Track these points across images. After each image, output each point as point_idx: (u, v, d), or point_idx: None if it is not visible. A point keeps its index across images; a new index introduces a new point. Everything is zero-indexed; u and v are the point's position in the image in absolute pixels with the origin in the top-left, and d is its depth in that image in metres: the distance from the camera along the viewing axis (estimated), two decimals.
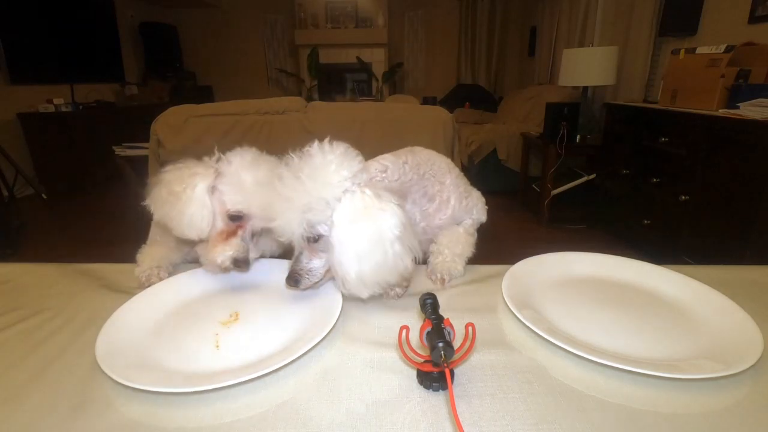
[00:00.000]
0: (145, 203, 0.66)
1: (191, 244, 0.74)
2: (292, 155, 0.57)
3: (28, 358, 0.50)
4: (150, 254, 0.70)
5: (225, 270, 0.63)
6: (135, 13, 5.06)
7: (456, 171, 0.77)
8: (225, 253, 0.61)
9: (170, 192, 0.62)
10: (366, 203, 0.55)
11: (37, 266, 0.73)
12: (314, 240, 0.57)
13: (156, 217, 0.64)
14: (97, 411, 0.42)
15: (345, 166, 0.55)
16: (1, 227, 2.39)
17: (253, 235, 0.66)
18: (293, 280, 0.58)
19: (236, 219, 0.63)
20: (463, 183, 0.78)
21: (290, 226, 0.55)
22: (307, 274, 0.59)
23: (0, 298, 0.64)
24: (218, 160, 0.66)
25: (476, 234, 0.80)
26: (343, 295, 0.58)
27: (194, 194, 0.62)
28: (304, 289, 0.60)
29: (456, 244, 0.73)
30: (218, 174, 0.64)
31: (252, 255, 0.63)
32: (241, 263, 0.62)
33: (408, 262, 0.56)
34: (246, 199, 0.62)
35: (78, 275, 0.70)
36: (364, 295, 0.56)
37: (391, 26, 5.77)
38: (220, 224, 0.63)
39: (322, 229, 0.56)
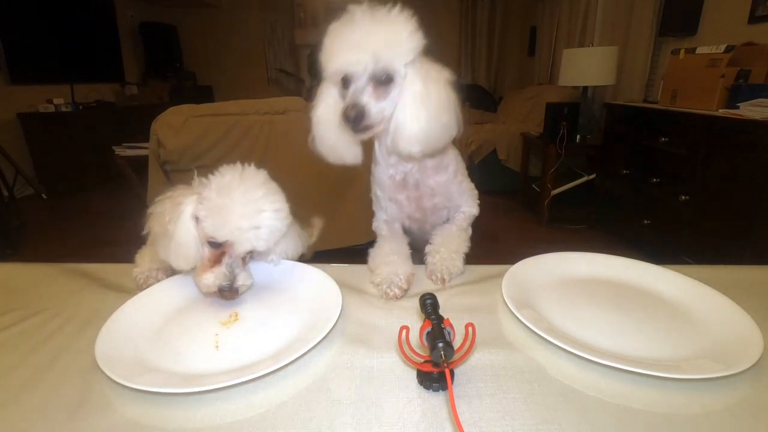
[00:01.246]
0: (144, 234, 0.64)
1: None
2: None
3: (27, 359, 0.50)
4: (149, 255, 0.70)
5: (212, 297, 0.60)
6: (135, 13, 5.06)
7: (457, 151, 0.78)
8: (208, 281, 0.58)
9: (160, 224, 0.60)
10: (437, 71, 0.62)
11: (37, 266, 0.73)
12: (383, 81, 0.59)
13: (159, 254, 0.62)
14: (96, 411, 0.42)
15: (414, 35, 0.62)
16: (1, 227, 2.39)
17: (244, 258, 0.62)
18: (353, 114, 0.57)
19: (216, 246, 0.60)
20: (462, 166, 0.79)
21: (362, 62, 0.57)
22: (368, 115, 0.59)
23: (0, 298, 0.64)
24: (200, 183, 0.62)
25: (470, 229, 0.81)
26: (342, 295, 0.58)
27: (179, 225, 0.59)
28: (360, 131, 0.61)
29: (451, 241, 0.74)
30: (200, 199, 0.60)
31: (241, 282, 0.60)
32: (225, 291, 0.59)
33: (453, 133, 0.63)
34: (226, 224, 0.57)
35: (78, 275, 0.70)
36: (415, 150, 0.59)
37: None
38: (206, 251, 0.60)
39: (397, 70, 0.60)
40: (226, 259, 0.59)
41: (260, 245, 0.60)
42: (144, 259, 0.69)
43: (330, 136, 0.68)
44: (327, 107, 0.66)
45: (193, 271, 0.62)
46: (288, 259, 0.71)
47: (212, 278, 0.58)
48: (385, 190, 0.77)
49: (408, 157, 0.67)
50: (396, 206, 0.78)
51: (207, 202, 0.59)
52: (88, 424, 0.40)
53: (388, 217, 0.80)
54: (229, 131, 1.96)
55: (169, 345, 0.52)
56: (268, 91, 6.01)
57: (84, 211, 3.26)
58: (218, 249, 0.60)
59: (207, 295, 0.60)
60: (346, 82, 0.61)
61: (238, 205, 0.58)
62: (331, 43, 0.61)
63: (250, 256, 0.64)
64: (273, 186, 0.63)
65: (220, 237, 0.58)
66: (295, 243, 0.72)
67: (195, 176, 0.64)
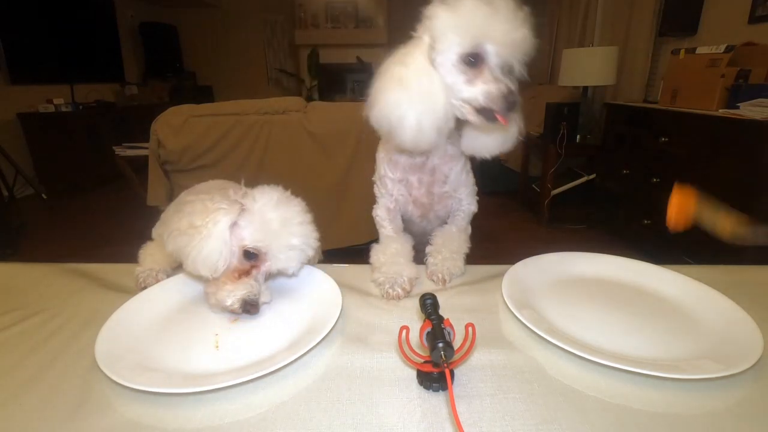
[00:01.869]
0: (157, 230, 0.63)
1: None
2: None
3: (27, 359, 0.50)
4: (152, 255, 0.70)
5: (232, 312, 0.58)
6: (135, 13, 5.06)
7: None
8: (236, 293, 0.57)
9: (191, 225, 0.57)
10: None
11: (37, 266, 0.73)
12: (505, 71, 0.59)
13: (169, 248, 0.59)
14: (96, 411, 0.42)
15: None
16: (1, 227, 2.39)
17: (267, 278, 0.62)
18: (512, 100, 0.58)
19: (252, 257, 0.59)
20: (468, 158, 0.81)
21: (521, 46, 0.56)
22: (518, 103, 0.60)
23: (0, 298, 0.64)
24: (244, 195, 0.61)
25: (470, 228, 0.82)
26: (342, 295, 0.58)
27: (216, 229, 0.57)
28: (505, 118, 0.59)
29: (451, 241, 0.74)
30: (242, 210, 0.59)
31: (263, 299, 0.59)
32: (250, 306, 0.57)
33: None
34: (268, 237, 0.58)
35: (78, 275, 0.70)
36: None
37: (391, 26, 5.77)
38: (234, 262, 0.59)
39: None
40: (255, 273, 0.59)
41: (292, 267, 0.60)
42: (147, 258, 0.69)
43: (422, 116, 0.59)
44: (430, 83, 0.59)
45: (208, 281, 0.59)
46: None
47: (240, 289, 0.57)
48: (398, 171, 0.76)
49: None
50: (405, 189, 0.77)
51: (253, 213, 0.58)
52: (88, 424, 0.40)
53: (392, 204, 0.79)
54: (229, 131, 1.96)
55: (169, 345, 0.52)
56: (268, 91, 6.01)
57: (84, 211, 3.26)
58: (250, 262, 0.59)
59: (223, 308, 0.57)
60: (475, 60, 0.56)
61: (289, 223, 0.59)
62: (486, 11, 0.54)
63: (273, 277, 0.64)
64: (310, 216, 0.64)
65: (262, 249, 0.58)
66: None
67: (240, 185, 0.64)
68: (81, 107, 3.90)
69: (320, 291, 0.62)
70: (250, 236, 0.58)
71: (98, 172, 3.82)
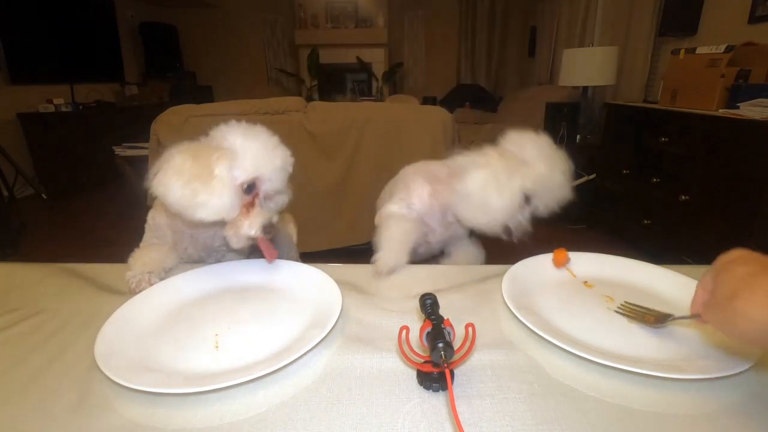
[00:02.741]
0: (150, 188, 0.63)
1: (193, 241, 0.76)
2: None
3: (27, 359, 0.50)
4: (142, 258, 0.69)
5: (254, 240, 0.66)
6: (135, 13, 5.06)
7: None
8: (254, 223, 0.64)
9: (196, 175, 0.60)
10: None
11: (37, 266, 0.73)
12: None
13: (170, 200, 0.61)
14: (96, 412, 0.42)
15: None
16: (1, 227, 2.39)
17: (265, 199, 0.69)
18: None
19: (250, 189, 0.65)
20: None
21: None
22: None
23: (0, 298, 0.64)
24: (219, 137, 0.67)
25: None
26: (342, 295, 0.58)
27: (222, 177, 0.61)
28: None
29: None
30: (228, 148, 0.64)
31: (274, 219, 0.67)
32: (269, 228, 0.65)
33: None
34: (257, 168, 0.64)
35: (78, 276, 0.70)
36: None
37: (391, 26, 5.77)
38: (239, 199, 0.64)
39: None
40: (257, 201, 0.66)
41: (282, 185, 0.69)
42: (137, 261, 0.68)
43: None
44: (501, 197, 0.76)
45: (227, 228, 0.66)
46: (289, 259, 0.73)
47: (256, 219, 0.65)
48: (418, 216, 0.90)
49: None
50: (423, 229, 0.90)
51: (235, 151, 0.63)
52: (88, 424, 0.40)
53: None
54: None
55: (169, 345, 0.52)
56: (268, 91, 6.01)
57: (84, 211, 3.26)
58: (251, 194, 0.65)
59: (248, 239, 0.66)
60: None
61: (267, 147, 0.65)
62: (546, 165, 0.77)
63: (271, 196, 0.70)
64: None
65: (257, 179, 0.65)
66: (289, 245, 0.77)
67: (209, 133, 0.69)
68: (81, 107, 3.90)
69: (320, 291, 0.62)
70: (243, 172, 0.63)
71: (98, 172, 3.82)
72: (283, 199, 0.74)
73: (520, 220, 0.77)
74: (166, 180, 0.60)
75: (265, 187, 0.66)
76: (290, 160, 0.69)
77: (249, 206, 0.65)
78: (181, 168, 0.61)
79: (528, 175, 0.74)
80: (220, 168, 0.61)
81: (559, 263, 0.69)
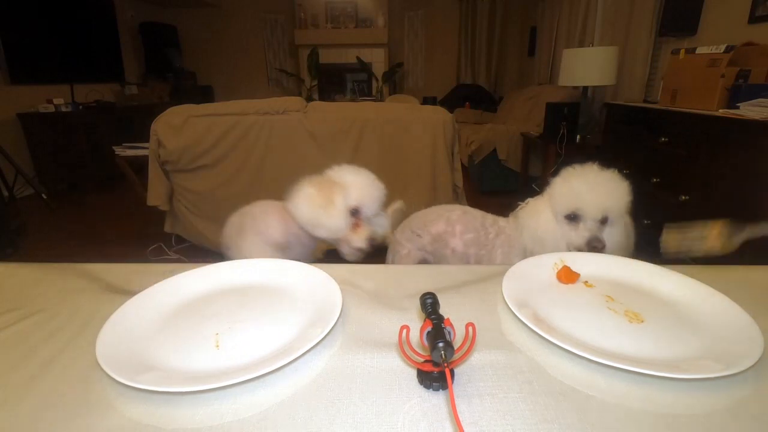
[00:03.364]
0: (291, 206, 0.89)
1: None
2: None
3: (27, 358, 0.50)
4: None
5: (363, 251, 0.91)
6: (135, 13, 5.06)
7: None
8: (360, 237, 0.89)
9: (320, 204, 0.86)
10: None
11: (37, 266, 0.73)
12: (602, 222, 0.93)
13: (300, 220, 0.89)
14: (97, 411, 0.42)
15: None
16: (1, 227, 2.39)
17: (366, 219, 0.92)
18: (600, 245, 0.88)
19: (356, 213, 0.89)
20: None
21: (606, 209, 0.93)
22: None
23: (0, 297, 0.64)
24: (330, 174, 0.93)
25: None
26: (342, 295, 0.59)
27: (339, 204, 0.86)
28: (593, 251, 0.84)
29: None
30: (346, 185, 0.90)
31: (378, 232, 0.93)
32: (372, 240, 0.90)
33: None
34: (363, 197, 0.89)
35: (78, 275, 0.70)
36: None
37: (391, 26, 5.78)
38: (349, 220, 0.89)
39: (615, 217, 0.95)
40: (361, 222, 0.90)
41: (377, 209, 0.94)
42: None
43: (540, 243, 0.94)
44: (546, 223, 0.95)
45: (341, 242, 0.91)
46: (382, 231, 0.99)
47: (362, 235, 0.89)
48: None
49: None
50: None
51: (348, 182, 0.90)
52: (89, 423, 0.40)
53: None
54: (229, 131, 1.96)
55: (169, 344, 0.52)
56: (268, 91, 6.02)
57: (84, 211, 3.26)
58: (356, 216, 0.89)
59: (358, 250, 0.90)
60: (575, 217, 0.91)
61: (368, 182, 0.91)
62: (578, 188, 0.92)
63: (369, 220, 0.94)
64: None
65: (361, 205, 0.90)
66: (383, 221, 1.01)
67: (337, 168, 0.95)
68: (81, 107, 3.90)
69: (320, 291, 0.62)
70: (351, 200, 0.88)
71: (98, 172, 3.83)
72: (383, 223, 0.98)
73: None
74: (299, 204, 0.87)
75: (366, 211, 0.90)
76: (384, 191, 0.93)
77: (356, 225, 0.89)
78: (310, 197, 0.87)
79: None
80: (337, 199, 0.86)
81: (567, 280, 0.66)
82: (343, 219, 0.86)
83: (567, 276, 0.66)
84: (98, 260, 0.75)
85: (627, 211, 0.96)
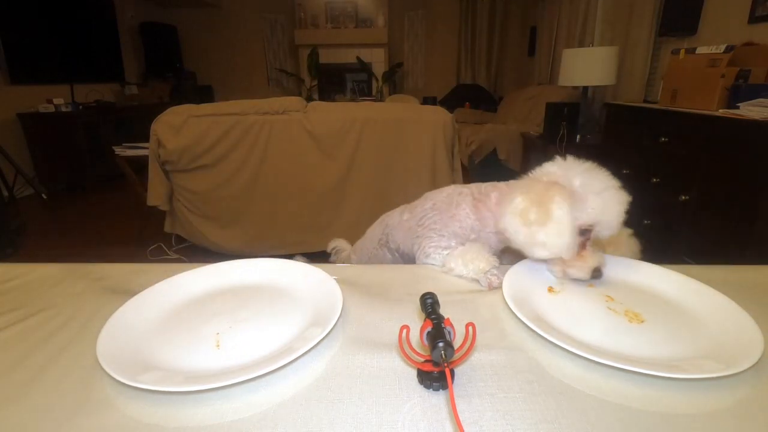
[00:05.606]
0: (505, 223, 0.65)
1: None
2: None
3: (28, 358, 0.50)
4: (475, 259, 0.69)
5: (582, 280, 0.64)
6: (135, 13, 5.06)
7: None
8: (586, 267, 0.62)
9: (535, 219, 0.61)
10: None
11: (38, 266, 0.73)
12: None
13: (513, 240, 0.65)
14: (97, 410, 0.42)
15: None
16: (1, 227, 2.39)
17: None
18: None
19: (585, 232, 0.64)
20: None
21: None
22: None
23: (0, 297, 0.64)
24: (545, 173, 0.67)
25: None
26: (342, 295, 0.59)
27: (562, 218, 0.60)
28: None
29: None
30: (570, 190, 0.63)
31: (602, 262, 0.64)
32: (598, 274, 0.63)
33: None
34: (598, 211, 0.63)
35: (78, 275, 0.70)
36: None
37: (391, 26, 5.78)
38: (575, 240, 0.63)
39: None
40: (588, 244, 0.64)
41: (616, 230, 0.66)
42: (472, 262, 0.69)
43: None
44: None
45: (555, 263, 0.65)
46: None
47: (587, 263, 0.62)
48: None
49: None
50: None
51: (577, 187, 0.63)
52: (90, 423, 0.40)
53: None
54: (229, 131, 1.96)
55: (170, 344, 0.52)
56: (268, 91, 6.02)
57: (84, 211, 3.26)
58: (584, 236, 0.64)
59: (573, 279, 0.64)
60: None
61: (610, 190, 0.64)
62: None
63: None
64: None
65: (597, 220, 0.63)
66: None
67: (550, 165, 0.69)
68: (81, 107, 3.90)
69: (320, 291, 0.62)
70: (583, 215, 0.62)
71: (98, 172, 3.83)
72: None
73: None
74: (510, 220, 0.64)
75: (601, 232, 0.64)
76: (628, 201, 0.66)
77: (580, 247, 0.63)
78: (522, 210, 0.63)
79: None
80: (559, 211, 0.61)
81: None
82: (570, 236, 0.60)
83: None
84: (98, 260, 0.75)
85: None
